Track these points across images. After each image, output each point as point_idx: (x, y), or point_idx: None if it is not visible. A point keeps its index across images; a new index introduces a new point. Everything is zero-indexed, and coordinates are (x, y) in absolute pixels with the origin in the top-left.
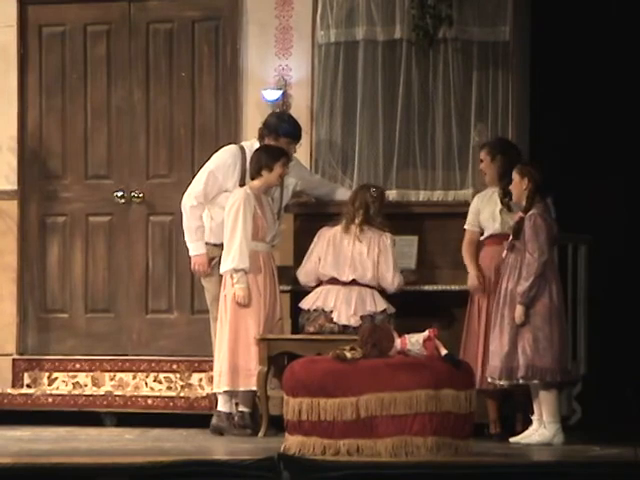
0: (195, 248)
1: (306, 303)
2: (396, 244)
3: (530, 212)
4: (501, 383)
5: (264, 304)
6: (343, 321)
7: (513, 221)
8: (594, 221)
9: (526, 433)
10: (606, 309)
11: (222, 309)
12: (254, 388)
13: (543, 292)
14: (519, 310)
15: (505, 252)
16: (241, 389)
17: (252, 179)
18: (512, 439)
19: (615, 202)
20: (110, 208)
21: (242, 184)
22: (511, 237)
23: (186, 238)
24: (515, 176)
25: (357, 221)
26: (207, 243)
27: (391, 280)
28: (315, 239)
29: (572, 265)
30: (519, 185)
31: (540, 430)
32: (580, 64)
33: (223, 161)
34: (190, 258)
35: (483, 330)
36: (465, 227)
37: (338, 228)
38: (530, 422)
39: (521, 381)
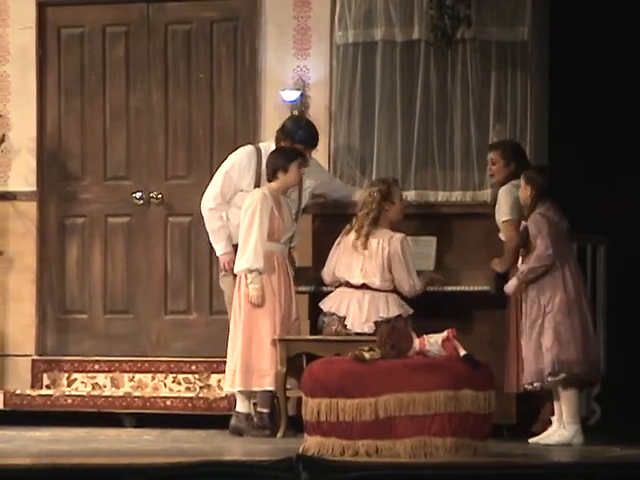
0: (221, 248)
1: (324, 304)
2: (415, 245)
3: (532, 215)
4: (534, 386)
5: (279, 305)
6: (356, 328)
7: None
8: (613, 223)
9: (545, 434)
10: (625, 310)
11: (236, 309)
12: (268, 388)
13: (558, 287)
14: (512, 284)
15: (520, 261)
16: (254, 389)
17: (269, 182)
18: (531, 440)
19: (634, 204)
20: (129, 209)
21: (257, 186)
22: (522, 249)
23: (211, 240)
24: (522, 182)
25: (365, 222)
26: None
27: (407, 286)
28: (337, 240)
29: (591, 266)
30: (524, 191)
31: (560, 431)
32: (599, 64)
33: (238, 161)
34: (211, 260)
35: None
36: (508, 218)
37: (351, 230)
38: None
39: (549, 379)
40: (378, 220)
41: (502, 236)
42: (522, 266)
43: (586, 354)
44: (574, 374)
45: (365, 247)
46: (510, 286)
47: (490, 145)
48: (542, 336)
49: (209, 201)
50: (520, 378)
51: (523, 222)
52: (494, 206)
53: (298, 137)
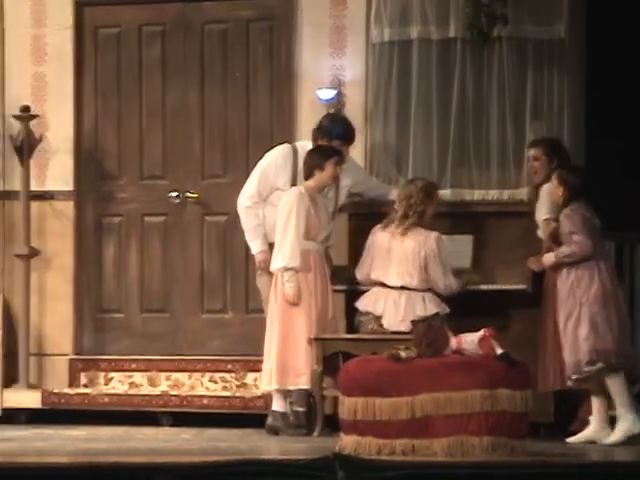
0: (257, 246)
1: (360, 304)
2: (451, 244)
3: (565, 211)
4: (573, 378)
5: (315, 303)
6: (392, 327)
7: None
8: None
9: (583, 433)
10: None
11: (272, 307)
12: (303, 387)
13: (594, 279)
14: (551, 257)
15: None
16: (291, 388)
17: (306, 180)
18: (569, 439)
19: None
20: (165, 208)
21: (293, 185)
22: (553, 246)
23: (247, 238)
24: (554, 181)
25: (405, 220)
26: None
27: (442, 285)
28: (369, 238)
29: (629, 264)
30: (556, 191)
31: (619, 425)
32: (636, 62)
33: (274, 159)
34: (247, 259)
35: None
36: (549, 216)
37: (387, 229)
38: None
39: (586, 368)
40: (424, 215)
41: (541, 234)
42: (563, 247)
43: (623, 345)
44: (612, 364)
45: (403, 240)
46: (547, 260)
47: (532, 142)
48: (578, 327)
49: (245, 199)
50: (557, 376)
51: (553, 223)
52: (530, 203)
53: (335, 133)
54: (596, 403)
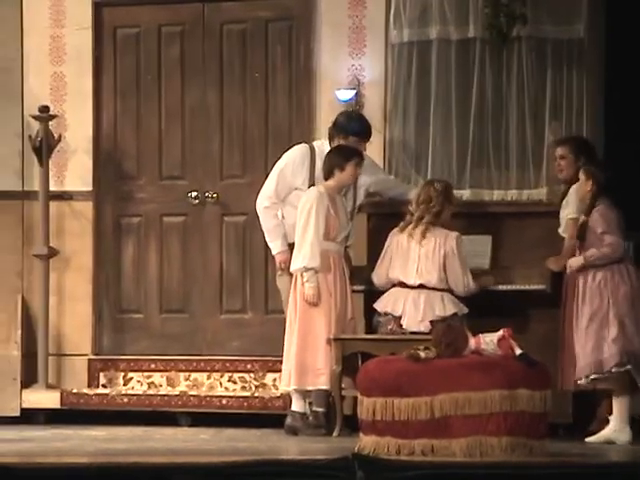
0: (276, 247)
1: (379, 305)
2: (470, 244)
3: (596, 208)
4: (592, 378)
5: (335, 304)
6: (412, 327)
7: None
8: None
9: (602, 433)
10: None
11: (292, 308)
12: (323, 387)
13: (623, 279)
14: (579, 260)
15: (577, 253)
16: (309, 388)
17: (325, 180)
18: (588, 439)
19: None
20: (184, 209)
21: (311, 184)
22: (577, 242)
23: (267, 239)
24: (581, 176)
25: (422, 221)
26: None
27: (461, 284)
28: (387, 240)
29: None
30: (584, 186)
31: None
32: None
33: (292, 159)
34: (267, 259)
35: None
36: (576, 216)
37: (406, 228)
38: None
39: (614, 369)
40: (440, 215)
41: (562, 232)
42: (591, 250)
43: None
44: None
45: (423, 239)
46: (574, 263)
47: (559, 140)
48: (605, 328)
49: (264, 200)
50: (574, 376)
51: (583, 216)
52: (552, 202)
53: (351, 129)
54: (616, 403)
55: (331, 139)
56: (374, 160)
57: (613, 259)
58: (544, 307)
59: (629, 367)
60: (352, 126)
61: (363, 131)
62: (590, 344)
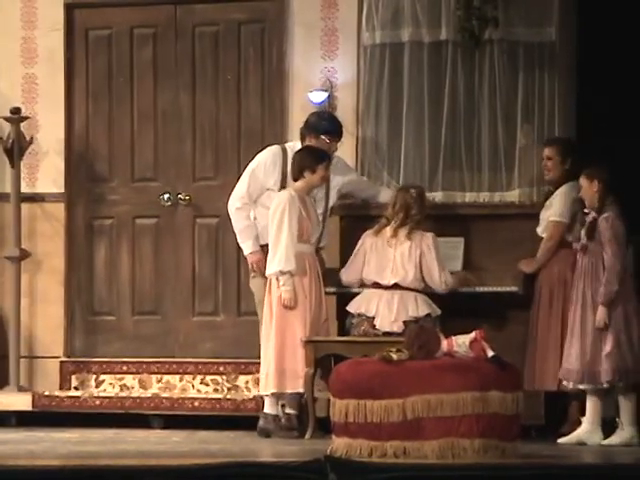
0: (248, 247)
1: (352, 306)
2: (442, 246)
3: (606, 213)
4: (581, 387)
5: (310, 306)
6: (385, 328)
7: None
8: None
9: (574, 434)
10: None
11: (267, 311)
12: (301, 390)
13: (622, 294)
14: (602, 312)
15: (579, 254)
16: (288, 391)
17: (295, 180)
18: (560, 440)
19: None
20: (157, 211)
21: (283, 185)
22: (585, 239)
23: (238, 240)
24: (584, 182)
25: (399, 223)
26: None
27: (438, 280)
28: (359, 242)
29: None
30: (589, 189)
31: (619, 432)
32: (627, 63)
33: (264, 160)
34: (239, 261)
35: (558, 333)
36: (559, 220)
37: (381, 232)
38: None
39: (606, 385)
40: (413, 219)
41: (541, 232)
42: (604, 290)
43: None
44: (630, 383)
45: (397, 246)
46: (601, 318)
47: (546, 141)
48: (602, 340)
49: (236, 201)
50: (555, 377)
51: (594, 214)
52: (524, 204)
53: (323, 128)
54: (590, 404)
55: (302, 139)
56: (346, 162)
57: (620, 277)
58: (516, 309)
59: (620, 384)
60: (323, 125)
61: (334, 130)
62: (588, 353)
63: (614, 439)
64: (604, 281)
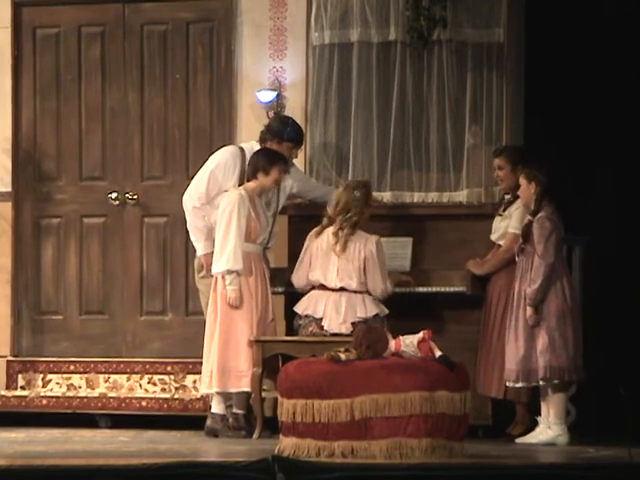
0: (203, 247)
1: (299, 307)
2: (390, 246)
3: (538, 215)
4: (518, 386)
5: (256, 306)
6: (333, 329)
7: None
8: (587, 222)
9: (532, 434)
10: (597, 309)
11: (212, 310)
12: (245, 389)
13: (555, 293)
14: (529, 311)
15: (517, 257)
16: (231, 390)
17: (248, 180)
18: (518, 440)
19: (607, 203)
20: (104, 210)
21: (240, 185)
22: (521, 240)
23: (192, 239)
24: (522, 181)
25: (339, 226)
26: None
27: (379, 291)
28: (306, 243)
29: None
30: (527, 189)
31: (545, 430)
32: (574, 65)
33: (224, 161)
34: (187, 260)
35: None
36: (517, 232)
37: (325, 232)
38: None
39: (541, 382)
40: (357, 225)
41: (496, 239)
42: (529, 291)
43: (576, 361)
44: (564, 381)
45: (344, 250)
46: (529, 317)
47: (494, 151)
48: (535, 338)
49: (193, 200)
50: (502, 383)
51: (529, 217)
52: (472, 204)
53: (287, 135)
54: (545, 405)
55: (263, 142)
56: (295, 162)
57: (550, 278)
58: (464, 309)
59: (555, 382)
60: (287, 132)
61: (298, 138)
62: (522, 352)
63: (539, 437)
64: (531, 282)
